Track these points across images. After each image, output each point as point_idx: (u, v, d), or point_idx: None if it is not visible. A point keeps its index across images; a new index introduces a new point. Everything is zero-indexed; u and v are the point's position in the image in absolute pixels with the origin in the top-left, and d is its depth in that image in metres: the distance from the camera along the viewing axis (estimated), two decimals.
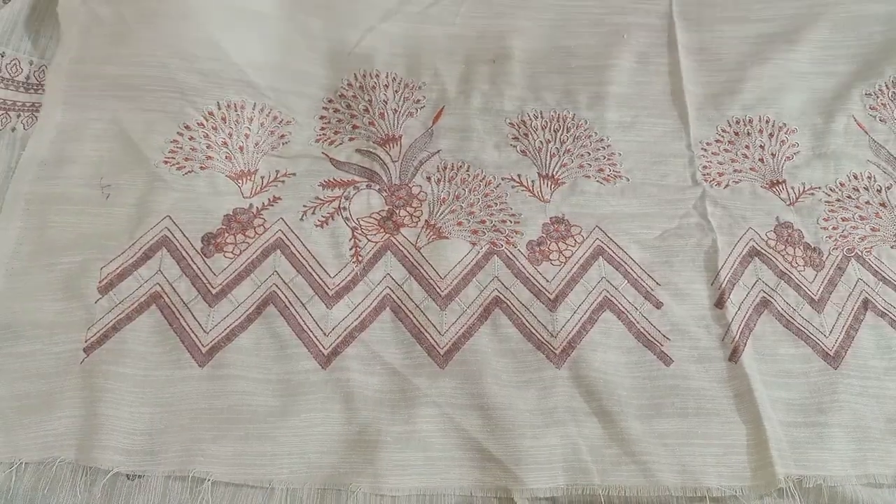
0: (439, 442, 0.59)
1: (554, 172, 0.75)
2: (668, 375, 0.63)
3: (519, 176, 0.74)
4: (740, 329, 0.66)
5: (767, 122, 0.80)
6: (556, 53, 0.83)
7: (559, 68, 0.82)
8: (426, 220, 0.71)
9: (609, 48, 0.83)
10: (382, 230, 0.70)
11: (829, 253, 0.72)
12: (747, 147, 0.78)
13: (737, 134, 0.79)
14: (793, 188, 0.76)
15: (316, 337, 0.62)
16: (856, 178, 0.77)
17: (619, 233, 0.71)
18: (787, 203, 0.75)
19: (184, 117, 0.71)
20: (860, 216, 0.74)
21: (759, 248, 0.72)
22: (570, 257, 0.70)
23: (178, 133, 0.71)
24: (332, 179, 0.72)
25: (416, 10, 0.83)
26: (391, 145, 0.75)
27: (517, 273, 0.68)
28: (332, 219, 0.70)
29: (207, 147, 0.71)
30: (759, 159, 0.78)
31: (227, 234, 0.67)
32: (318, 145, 0.75)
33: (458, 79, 0.80)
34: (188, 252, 0.65)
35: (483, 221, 0.71)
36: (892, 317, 0.68)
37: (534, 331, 0.65)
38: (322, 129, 0.76)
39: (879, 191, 0.76)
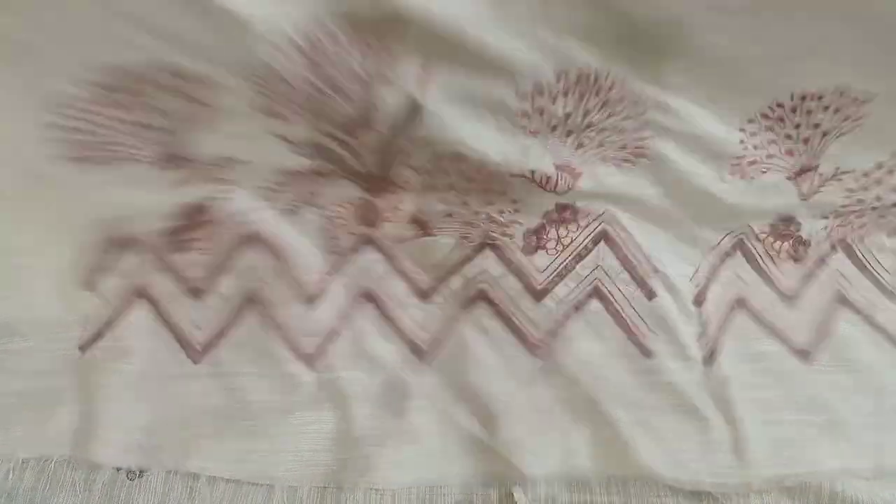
0: (433, 435, 0.61)
1: (569, 161, 0.65)
2: (645, 369, 0.65)
3: (532, 173, 0.64)
4: (719, 327, 0.67)
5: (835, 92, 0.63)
6: None
7: None
8: (411, 213, 0.67)
9: None
10: (363, 223, 0.66)
11: (818, 245, 0.72)
12: (797, 126, 0.65)
13: (793, 110, 0.63)
14: (820, 174, 0.68)
15: (297, 336, 0.62)
16: None
17: (626, 218, 0.68)
18: (802, 198, 0.69)
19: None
20: (873, 207, 0.70)
21: (745, 242, 0.71)
22: (568, 245, 0.68)
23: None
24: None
25: None
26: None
27: (507, 264, 0.67)
28: (304, 208, 0.65)
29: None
30: (804, 140, 0.66)
31: (194, 230, 0.63)
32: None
33: None
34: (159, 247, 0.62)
35: (477, 212, 0.67)
36: (867, 313, 0.70)
37: (518, 323, 0.65)
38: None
39: None
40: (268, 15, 0.48)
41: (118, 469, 0.56)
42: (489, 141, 0.60)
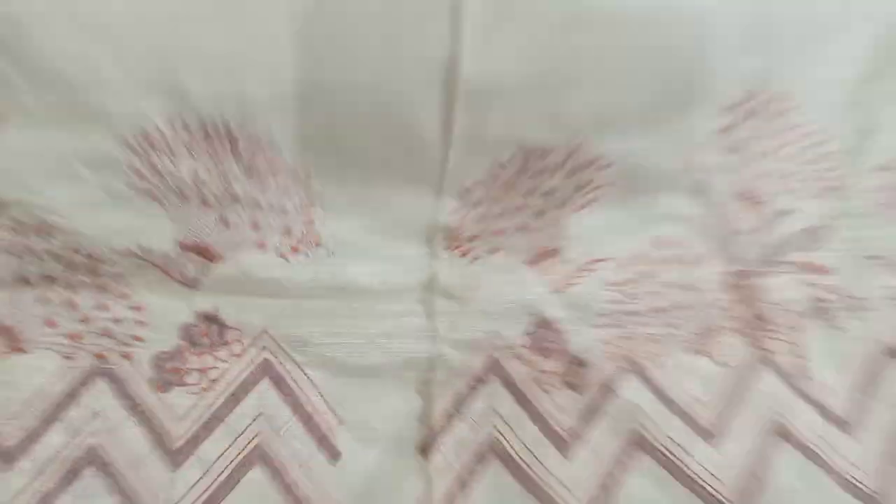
0: None
1: (206, 237, 0.48)
2: None
3: (140, 247, 0.46)
4: (448, 490, 0.47)
5: (562, 158, 0.53)
6: None
7: None
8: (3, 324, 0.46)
9: None
10: None
11: (598, 365, 0.51)
12: (523, 195, 0.52)
13: (516, 172, 0.52)
14: (568, 261, 0.52)
15: None
16: (662, 244, 0.54)
17: (297, 342, 0.48)
18: (555, 289, 0.52)
19: None
20: (653, 308, 0.52)
21: (501, 363, 0.50)
22: (216, 380, 0.47)
23: None
24: None
25: None
26: None
27: (131, 407, 0.46)
28: None
29: None
30: (536, 213, 0.52)
31: None
32: None
33: None
34: None
35: (86, 320, 0.46)
36: (672, 456, 0.49)
37: (140, 502, 0.44)
38: None
39: (690, 263, 0.54)
40: None
41: None
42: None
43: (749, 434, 0.51)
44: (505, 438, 0.49)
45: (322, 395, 0.48)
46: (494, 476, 0.48)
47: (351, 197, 0.47)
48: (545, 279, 0.52)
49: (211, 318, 0.48)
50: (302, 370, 0.48)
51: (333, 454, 0.47)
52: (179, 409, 0.47)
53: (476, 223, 0.50)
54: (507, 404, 0.50)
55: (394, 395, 0.49)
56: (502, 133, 0.45)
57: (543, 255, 0.52)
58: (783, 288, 0.55)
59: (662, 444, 0.50)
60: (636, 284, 0.53)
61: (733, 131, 0.52)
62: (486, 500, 0.48)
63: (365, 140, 0.45)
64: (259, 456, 0.46)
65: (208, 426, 0.46)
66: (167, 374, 0.47)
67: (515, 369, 0.50)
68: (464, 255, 0.51)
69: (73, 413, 0.45)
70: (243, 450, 0.46)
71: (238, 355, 0.48)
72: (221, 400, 0.47)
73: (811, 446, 0.51)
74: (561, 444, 0.49)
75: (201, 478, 0.45)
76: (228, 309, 0.48)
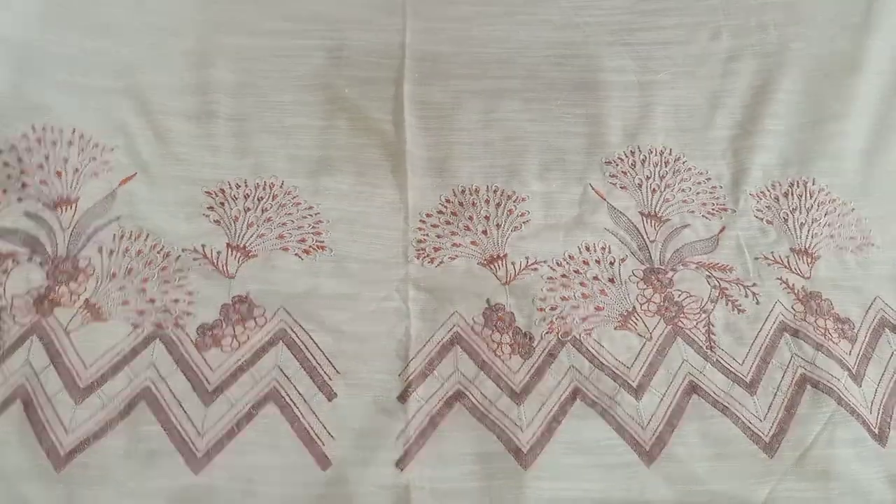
0: None
1: (246, 243, 0.67)
2: (321, 482, 0.56)
3: (203, 246, 0.66)
4: (422, 426, 0.59)
5: (496, 191, 0.73)
6: (269, 111, 0.75)
7: (271, 128, 0.74)
8: (86, 299, 0.62)
9: (328, 106, 0.76)
10: (35, 310, 0.61)
11: (542, 338, 0.65)
12: (471, 218, 0.71)
13: (461, 204, 0.72)
14: (513, 263, 0.69)
15: None
16: (588, 249, 0.70)
17: (306, 315, 0.64)
18: (503, 282, 0.68)
19: None
20: (583, 294, 0.67)
21: (462, 335, 0.64)
22: (244, 342, 0.62)
23: None
24: None
25: (109, 60, 0.75)
26: (64, 209, 0.67)
27: (178, 360, 0.61)
28: None
29: None
30: (483, 232, 0.71)
31: None
32: None
33: (156, 140, 0.72)
34: None
35: (152, 300, 0.63)
36: (603, 405, 0.61)
37: (179, 428, 0.57)
38: None
39: (612, 263, 0.69)
40: None
41: None
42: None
43: (666, 390, 0.63)
44: (468, 391, 0.62)
45: (324, 353, 0.62)
46: (459, 417, 0.61)
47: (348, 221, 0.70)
48: (495, 275, 0.68)
49: (243, 300, 0.65)
50: (309, 335, 0.63)
51: (330, 396, 0.61)
52: (214, 363, 0.61)
53: (437, 239, 0.68)
54: (468, 367, 0.63)
55: (379, 357, 0.63)
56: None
57: (493, 260, 0.69)
58: (690, 280, 0.70)
59: (595, 396, 0.62)
60: (568, 279, 0.68)
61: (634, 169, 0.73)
62: (452, 436, 0.60)
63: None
64: (273, 396, 0.60)
65: (235, 375, 0.61)
66: (207, 338, 0.63)
67: (474, 340, 0.65)
68: (431, 262, 0.69)
69: (134, 364, 0.61)
70: (261, 392, 0.60)
71: (261, 325, 0.63)
72: (247, 357, 0.62)
73: (719, 401, 0.63)
74: (514, 396, 0.62)
75: (228, 411, 0.59)
76: (256, 292, 0.65)
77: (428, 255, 0.69)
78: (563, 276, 0.69)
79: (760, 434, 0.60)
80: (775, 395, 0.62)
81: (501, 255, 0.69)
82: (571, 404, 0.61)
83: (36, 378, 0.58)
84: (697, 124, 0.79)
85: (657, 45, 0.82)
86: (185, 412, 0.58)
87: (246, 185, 0.71)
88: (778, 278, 0.70)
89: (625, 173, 0.75)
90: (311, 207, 0.70)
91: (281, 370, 0.61)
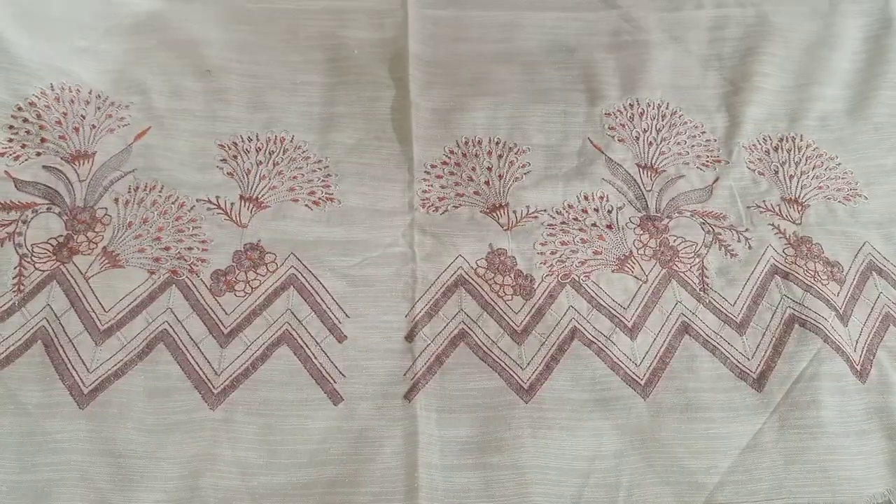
0: (60, 493, 0.54)
1: (258, 195, 0.70)
2: (332, 416, 0.59)
3: (217, 198, 0.69)
4: (428, 363, 0.62)
5: (497, 142, 0.76)
6: (282, 68, 0.78)
7: (283, 84, 0.77)
8: (104, 247, 0.65)
9: (336, 64, 0.78)
10: (55, 258, 0.64)
11: (542, 280, 0.68)
12: (473, 169, 0.74)
13: (464, 155, 0.75)
14: (514, 212, 0.71)
15: None
16: (586, 198, 0.73)
17: (315, 261, 0.67)
18: (505, 228, 0.70)
19: None
20: (581, 239, 0.70)
21: (466, 278, 0.67)
22: (257, 287, 0.65)
23: None
24: (9, 202, 0.66)
25: (127, 21, 0.78)
26: (81, 162, 0.69)
27: (194, 304, 0.63)
28: (2, 245, 0.64)
29: None
30: (486, 182, 0.73)
31: None
32: (2, 160, 0.69)
33: (169, 95, 0.75)
34: None
35: (168, 248, 0.66)
36: (600, 345, 0.64)
37: (197, 368, 0.60)
38: (9, 140, 0.70)
39: (610, 211, 0.72)
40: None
41: None
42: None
43: (660, 330, 0.66)
44: (471, 330, 0.65)
45: (333, 298, 0.65)
46: (463, 355, 0.63)
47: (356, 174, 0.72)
48: (497, 222, 0.71)
49: (254, 247, 0.67)
50: (319, 280, 0.66)
51: (340, 337, 0.63)
52: (228, 307, 0.64)
53: (441, 189, 0.71)
54: (471, 307, 0.66)
55: (386, 298, 0.66)
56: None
57: (495, 208, 0.72)
58: (685, 227, 0.72)
59: (592, 336, 0.65)
60: (567, 225, 0.71)
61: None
62: (455, 372, 0.63)
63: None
64: (286, 338, 0.63)
65: (249, 319, 0.64)
66: (221, 284, 0.65)
67: (477, 283, 0.68)
68: (436, 210, 0.71)
69: (151, 308, 0.63)
70: (274, 334, 0.63)
71: (273, 271, 0.66)
72: (260, 301, 0.65)
73: (710, 341, 0.66)
74: (514, 335, 0.65)
75: (243, 352, 0.62)
76: (267, 240, 0.67)
77: (433, 205, 0.71)
78: (563, 223, 0.71)
79: (749, 371, 0.63)
80: (764, 334, 0.65)
81: (503, 204, 0.72)
82: (570, 343, 0.64)
83: (57, 320, 0.61)
84: (691, 83, 0.82)
85: (645, 9, 0.87)
86: (202, 353, 0.61)
87: (258, 139, 0.73)
88: (770, 224, 0.72)
89: (623, 126, 0.78)
90: (320, 161, 0.73)
91: (293, 314, 0.63)
